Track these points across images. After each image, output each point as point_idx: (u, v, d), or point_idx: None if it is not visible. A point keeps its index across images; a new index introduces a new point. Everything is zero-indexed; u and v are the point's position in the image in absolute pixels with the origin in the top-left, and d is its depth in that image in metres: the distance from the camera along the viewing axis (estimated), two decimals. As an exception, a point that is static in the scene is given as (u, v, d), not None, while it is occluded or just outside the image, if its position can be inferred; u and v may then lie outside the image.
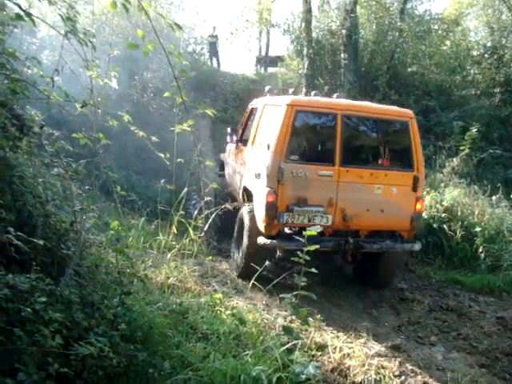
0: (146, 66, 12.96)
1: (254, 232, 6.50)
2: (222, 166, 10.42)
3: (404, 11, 16.90)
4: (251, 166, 7.10)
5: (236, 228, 7.39)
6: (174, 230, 5.56)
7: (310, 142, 6.70)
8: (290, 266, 7.08)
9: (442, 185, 10.15)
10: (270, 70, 24.37)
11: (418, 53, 16.71)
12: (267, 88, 8.68)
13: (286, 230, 6.47)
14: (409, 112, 6.81)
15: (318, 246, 3.91)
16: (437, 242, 8.87)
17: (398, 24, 16.27)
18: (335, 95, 7.74)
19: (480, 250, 8.49)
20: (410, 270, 8.58)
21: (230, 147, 9.39)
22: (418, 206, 6.65)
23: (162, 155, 4.20)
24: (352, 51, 15.45)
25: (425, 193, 9.61)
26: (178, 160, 4.49)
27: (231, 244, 7.81)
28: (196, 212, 6.32)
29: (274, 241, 6.23)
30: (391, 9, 17.52)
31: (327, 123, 6.48)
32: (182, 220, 5.72)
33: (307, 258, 3.85)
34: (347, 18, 15.35)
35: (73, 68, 4.04)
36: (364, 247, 6.51)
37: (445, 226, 8.86)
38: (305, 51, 16.43)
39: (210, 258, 6.86)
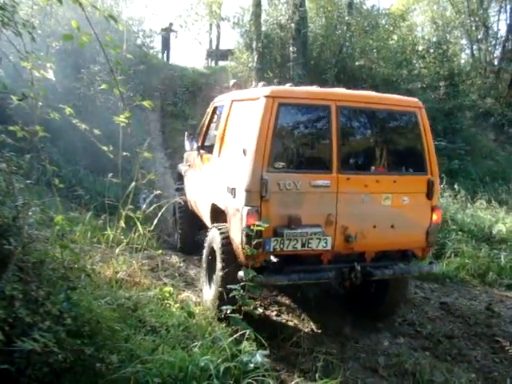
0: (93, 59, 12.69)
1: (230, 263, 5.00)
2: (180, 177, 8.81)
3: (352, 6, 17.32)
4: (221, 178, 5.63)
5: (204, 255, 5.89)
6: (122, 223, 5.48)
7: (297, 143, 5.07)
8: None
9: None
10: (221, 63, 24.37)
11: (366, 47, 17.15)
12: (232, 81, 7.84)
13: (273, 259, 4.89)
14: (416, 101, 5.44)
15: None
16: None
17: (346, 18, 16.62)
18: (287, 85, 6.18)
19: (425, 239, 8.68)
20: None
21: (189, 156, 7.96)
22: (435, 217, 5.32)
23: (106, 148, 4.14)
24: (301, 45, 15.68)
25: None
26: (124, 154, 4.43)
27: (200, 273, 6.32)
28: (144, 206, 6.12)
29: (260, 276, 4.57)
30: (339, 3, 17.86)
31: (319, 118, 5.06)
32: (131, 214, 5.64)
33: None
34: (296, 11, 15.56)
35: (15, 61, 3.93)
36: (374, 274, 5.08)
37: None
38: (254, 45, 16.68)
39: (160, 251, 6.86)
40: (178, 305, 4.93)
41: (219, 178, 5.73)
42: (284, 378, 3.69)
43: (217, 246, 5.31)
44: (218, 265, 5.19)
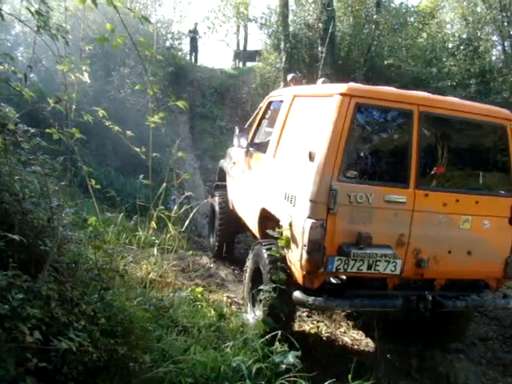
0: (123, 62, 12.88)
1: (282, 283, 4.43)
2: (220, 174, 8.26)
3: (380, 4, 17.06)
4: (276, 181, 5.11)
5: (247, 272, 5.37)
6: (154, 225, 5.52)
7: (373, 151, 4.52)
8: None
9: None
10: (249, 64, 24.44)
11: (395, 45, 17.02)
12: (290, 75, 7.74)
13: (332, 280, 4.56)
14: (507, 113, 4.75)
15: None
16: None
17: (375, 17, 16.42)
18: (320, 81, 6.27)
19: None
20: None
21: (235, 152, 7.36)
22: None
23: (138, 150, 4.18)
24: (329, 44, 15.47)
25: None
26: (154, 155, 4.47)
27: (242, 290, 5.77)
28: (175, 207, 6.07)
29: (319, 298, 4.16)
30: (368, 2, 17.61)
31: (400, 124, 4.56)
32: (162, 215, 5.66)
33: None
34: (324, 11, 15.43)
35: (48, 65, 4.01)
36: (446, 305, 4.53)
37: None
38: (282, 45, 16.58)
39: (191, 252, 6.90)
40: (209, 305, 4.94)
41: (274, 181, 5.21)
42: (316, 380, 3.64)
43: (264, 262, 4.78)
44: (266, 285, 4.59)
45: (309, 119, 4.88)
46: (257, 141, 6.68)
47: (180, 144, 10.56)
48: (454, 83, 16.14)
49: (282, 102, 5.79)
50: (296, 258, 4.26)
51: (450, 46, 17.84)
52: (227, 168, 7.67)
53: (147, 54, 3.50)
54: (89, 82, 3.49)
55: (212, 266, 7.29)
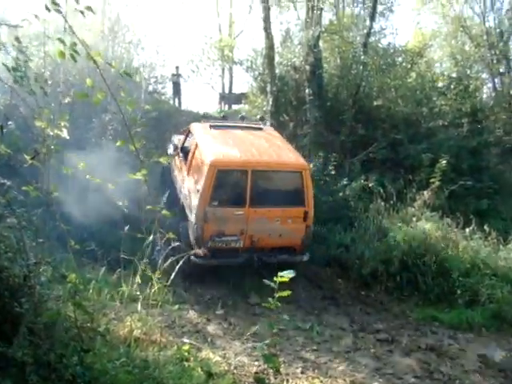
0: (104, 108, 12.90)
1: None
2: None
3: (367, 45, 17.02)
4: (188, 193, 9.44)
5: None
6: (139, 279, 5.43)
7: (227, 190, 8.82)
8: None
9: (414, 219, 10.34)
10: (235, 107, 24.68)
11: (384, 86, 17.15)
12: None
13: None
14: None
15: None
16: (411, 279, 9.06)
17: (362, 57, 16.42)
18: (239, 116, 9.17)
19: (456, 285, 8.66)
20: (386, 309, 8.66)
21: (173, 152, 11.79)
22: None
23: (121, 203, 4.15)
24: (316, 86, 15.82)
25: (397, 227, 9.94)
26: (139, 207, 4.44)
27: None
28: (161, 259, 6.05)
29: (203, 258, 8.22)
30: (354, 43, 17.90)
31: (240, 176, 8.77)
32: (146, 269, 5.57)
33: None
34: (310, 53, 15.76)
35: (26, 113, 3.98)
36: (264, 260, 8.79)
37: (418, 261, 9.07)
38: (268, 88, 16.81)
39: (177, 307, 6.76)
40: (197, 364, 4.82)
41: (187, 191, 9.52)
42: None
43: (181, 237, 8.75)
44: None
45: (199, 165, 8.96)
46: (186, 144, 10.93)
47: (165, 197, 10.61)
48: (446, 123, 16.21)
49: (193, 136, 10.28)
50: (191, 238, 8.76)
51: (440, 84, 18.00)
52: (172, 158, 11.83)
53: (131, 109, 3.50)
54: (68, 137, 3.47)
55: (199, 321, 7.20)
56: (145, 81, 17.93)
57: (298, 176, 8.81)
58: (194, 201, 8.67)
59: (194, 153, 9.71)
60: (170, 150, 12.48)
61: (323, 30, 17.25)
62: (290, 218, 8.86)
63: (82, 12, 3.10)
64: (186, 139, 11.30)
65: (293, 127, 16.85)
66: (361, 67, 16.57)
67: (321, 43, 16.86)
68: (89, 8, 3.12)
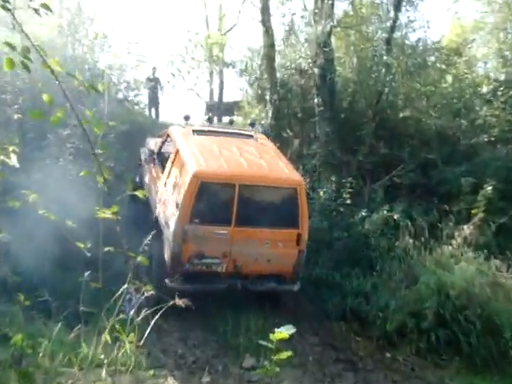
0: (62, 122, 12.80)
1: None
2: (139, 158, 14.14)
3: (391, 41, 16.99)
4: (164, 207, 10.22)
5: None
6: (107, 338, 5.32)
7: (211, 206, 9.40)
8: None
9: (452, 260, 10.16)
10: (226, 119, 24.70)
11: (412, 93, 17.02)
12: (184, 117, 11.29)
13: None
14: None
15: None
16: (450, 338, 8.84)
17: (385, 58, 16.36)
18: (204, 118, 9.72)
19: (510, 346, 8.49)
20: (418, 377, 8.50)
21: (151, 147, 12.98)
22: None
23: (82, 245, 4.08)
24: (327, 94, 15.78)
25: (431, 271, 9.77)
26: (106, 249, 4.36)
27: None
28: (132, 312, 5.94)
29: (176, 283, 8.94)
30: (375, 39, 17.74)
31: (226, 191, 9.31)
32: (114, 325, 5.48)
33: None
34: (320, 52, 15.79)
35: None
36: (249, 288, 9.57)
37: (459, 315, 8.85)
38: (268, 96, 17.09)
39: (152, 372, 6.68)
40: None
41: (163, 205, 10.31)
42: None
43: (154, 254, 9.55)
44: (154, 270, 9.51)
45: (180, 175, 9.58)
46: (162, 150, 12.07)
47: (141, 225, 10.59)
48: (492, 139, 15.62)
49: (172, 142, 11.20)
50: (167, 260, 9.26)
51: (485, 90, 17.63)
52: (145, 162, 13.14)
53: (97, 131, 3.49)
54: (18, 165, 3.47)
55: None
56: (114, 86, 18.05)
57: (291, 193, 9.45)
58: (172, 216, 9.21)
59: (173, 161, 10.37)
60: (144, 156, 13.42)
61: (336, 23, 16.98)
62: (281, 241, 9.46)
63: (36, 10, 3.11)
64: (163, 144, 12.13)
65: (298, 145, 16.93)
66: (383, 70, 16.51)
67: (333, 40, 16.89)
68: (45, 6, 3.13)
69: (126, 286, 5.15)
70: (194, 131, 11.08)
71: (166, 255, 9.31)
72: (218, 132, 11.56)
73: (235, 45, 29.09)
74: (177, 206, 9.08)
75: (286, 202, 9.52)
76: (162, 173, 11.03)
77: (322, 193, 13.34)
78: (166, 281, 8.81)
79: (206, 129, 11.79)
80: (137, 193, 4.28)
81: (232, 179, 9.11)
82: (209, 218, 9.09)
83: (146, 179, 12.75)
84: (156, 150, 12.38)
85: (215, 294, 9.76)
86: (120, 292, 5.03)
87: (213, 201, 9.23)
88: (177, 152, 10.29)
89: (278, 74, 17.49)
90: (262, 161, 10.00)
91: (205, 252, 9.05)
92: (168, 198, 9.92)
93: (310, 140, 16.69)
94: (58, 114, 3.39)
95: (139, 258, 4.35)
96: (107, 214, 3.68)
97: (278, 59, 17.78)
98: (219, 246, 9.09)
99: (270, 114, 16.81)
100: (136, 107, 20.30)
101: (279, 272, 9.69)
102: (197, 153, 9.75)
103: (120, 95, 18.51)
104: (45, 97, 3.34)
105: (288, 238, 9.44)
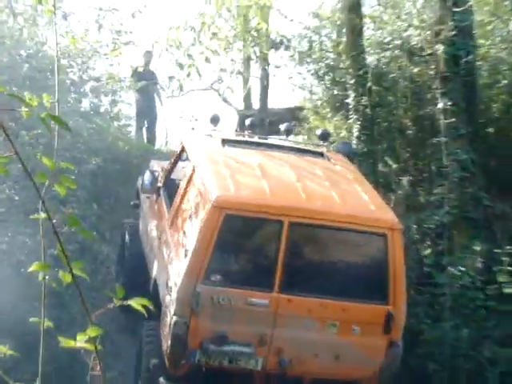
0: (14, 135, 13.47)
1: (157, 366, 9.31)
2: (137, 194, 14.79)
3: None
4: (167, 262, 10.06)
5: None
6: None
7: (240, 256, 9.58)
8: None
9: None
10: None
11: None
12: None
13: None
14: (391, 220, 9.37)
15: None
16: None
17: None
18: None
19: None
20: None
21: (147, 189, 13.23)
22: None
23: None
24: (463, 92, 15.02)
25: None
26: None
27: None
28: None
29: None
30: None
31: (267, 232, 9.41)
32: None
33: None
34: (447, 16, 14.96)
35: None
36: None
37: None
38: (351, 98, 16.52)
39: None
40: None
41: (165, 259, 10.32)
42: None
43: (143, 344, 10.05)
44: (144, 364, 9.68)
45: (195, 206, 9.65)
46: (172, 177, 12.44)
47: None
48: None
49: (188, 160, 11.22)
50: (164, 347, 9.11)
51: None
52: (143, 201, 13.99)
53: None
54: None
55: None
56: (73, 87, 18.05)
57: (377, 241, 9.24)
58: (177, 272, 9.09)
59: (186, 186, 10.45)
60: (146, 185, 13.32)
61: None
62: (358, 324, 9.02)
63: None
64: (174, 165, 12.46)
65: (408, 185, 16.50)
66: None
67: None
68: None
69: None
70: (223, 141, 11.21)
71: (164, 339, 9.10)
72: (265, 145, 11.98)
73: (289, 10, 28.38)
74: (186, 255, 8.88)
75: (367, 257, 9.44)
76: (169, 208, 11.12)
77: (456, 273, 12.91)
78: (161, 382, 8.75)
79: (245, 139, 12.47)
80: (133, 303, 3.82)
81: (278, 213, 8.85)
82: (236, 275, 9.02)
83: (144, 223, 13.19)
84: (162, 177, 12.56)
85: None
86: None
87: (244, 247, 9.29)
88: (193, 171, 10.20)
89: (370, 59, 17.01)
90: (332, 190, 9.83)
91: (228, 334, 8.63)
92: (173, 245, 9.92)
93: (432, 176, 16.23)
94: None
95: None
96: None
97: (368, 32, 17.43)
98: (253, 326, 8.73)
99: (355, 129, 16.18)
100: (114, 124, 20.35)
101: (354, 377, 9.30)
102: (224, 172, 9.69)
103: (85, 103, 18.27)
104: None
105: (370, 318, 9.01)
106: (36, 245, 12.55)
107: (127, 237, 14.14)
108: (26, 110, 3.61)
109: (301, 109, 20.38)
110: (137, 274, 12.49)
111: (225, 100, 26.78)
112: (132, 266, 13.15)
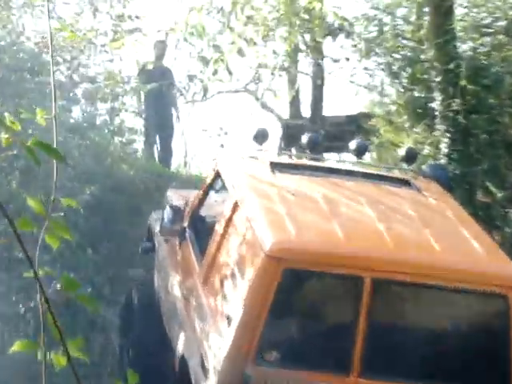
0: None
1: None
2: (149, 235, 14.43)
3: None
4: (199, 333, 9.59)
5: None
6: None
7: (303, 328, 8.94)
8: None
9: None
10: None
11: None
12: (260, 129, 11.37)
13: None
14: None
15: None
16: None
17: None
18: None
19: None
20: None
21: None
22: None
23: None
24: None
25: None
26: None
27: None
28: None
29: None
30: None
31: (342, 294, 8.94)
32: None
33: None
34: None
35: None
36: None
37: None
38: (438, 101, 15.75)
39: None
40: None
41: (196, 329, 9.91)
42: None
43: None
44: None
45: (240, 257, 9.37)
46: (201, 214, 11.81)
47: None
48: None
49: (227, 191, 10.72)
50: None
51: None
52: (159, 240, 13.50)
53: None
54: None
55: None
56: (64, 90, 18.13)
57: (495, 305, 8.88)
58: (215, 348, 8.71)
59: (225, 228, 10.06)
60: (166, 224, 12.63)
61: None
62: None
63: None
64: (204, 197, 12.03)
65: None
66: None
67: None
68: None
69: None
70: (273, 165, 10.89)
71: None
72: (329, 170, 11.63)
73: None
74: (229, 324, 8.43)
75: (481, 327, 8.94)
76: (200, 257, 10.59)
77: None
78: None
79: (302, 162, 12.05)
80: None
81: (357, 266, 8.54)
82: (299, 352, 8.60)
83: (162, 276, 12.74)
84: (187, 213, 11.97)
85: None
86: None
87: (310, 313, 8.92)
88: (234, 208, 9.87)
89: (463, 47, 16.10)
90: (428, 233, 9.47)
91: None
92: (210, 309, 9.42)
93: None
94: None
95: None
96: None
97: (459, 10, 16.93)
98: None
99: (443, 146, 15.27)
100: (116, 140, 19.91)
101: None
102: (279, 208, 9.39)
103: (76, 113, 17.72)
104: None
105: None
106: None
107: (135, 294, 13.26)
108: (6, 136, 3.49)
109: (368, 117, 19.58)
110: (153, 353, 11.81)
111: (264, 105, 26.43)
112: (145, 340, 12.32)
